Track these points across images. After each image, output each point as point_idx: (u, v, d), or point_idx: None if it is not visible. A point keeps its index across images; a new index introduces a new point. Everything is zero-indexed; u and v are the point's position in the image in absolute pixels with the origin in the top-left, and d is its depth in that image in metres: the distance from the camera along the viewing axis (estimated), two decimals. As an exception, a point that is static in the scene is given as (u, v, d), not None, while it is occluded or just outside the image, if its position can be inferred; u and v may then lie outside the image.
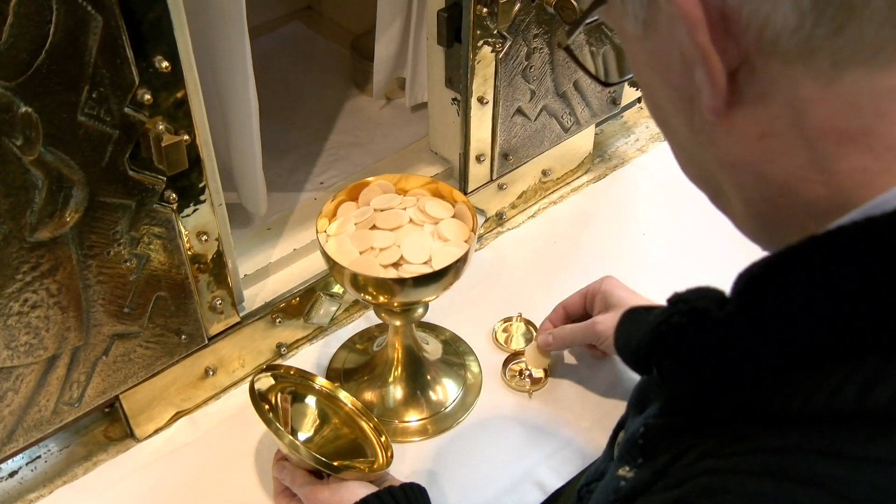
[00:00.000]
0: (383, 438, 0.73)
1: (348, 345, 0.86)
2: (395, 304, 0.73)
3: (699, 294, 0.38)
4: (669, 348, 0.39)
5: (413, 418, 0.79)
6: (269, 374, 0.74)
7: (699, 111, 0.34)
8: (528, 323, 0.88)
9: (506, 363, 0.84)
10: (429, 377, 0.81)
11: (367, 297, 0.71)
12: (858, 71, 0.30)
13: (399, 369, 0.80)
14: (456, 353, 0.85)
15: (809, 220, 0.33)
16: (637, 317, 0.45)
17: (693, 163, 0.39)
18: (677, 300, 0.39)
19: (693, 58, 0.33)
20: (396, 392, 0.80)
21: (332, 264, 0.70)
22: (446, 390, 0.82)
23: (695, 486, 0.33)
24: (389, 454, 0.72)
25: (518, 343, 0.86)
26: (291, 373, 0.76)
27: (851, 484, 0.30)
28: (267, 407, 0.70)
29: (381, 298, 0.71)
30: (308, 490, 0.67)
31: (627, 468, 0.43)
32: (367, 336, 0.87)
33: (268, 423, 0.66)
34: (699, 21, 0.31)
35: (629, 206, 1.03)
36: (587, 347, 0.82)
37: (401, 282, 0.68)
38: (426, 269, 0.70)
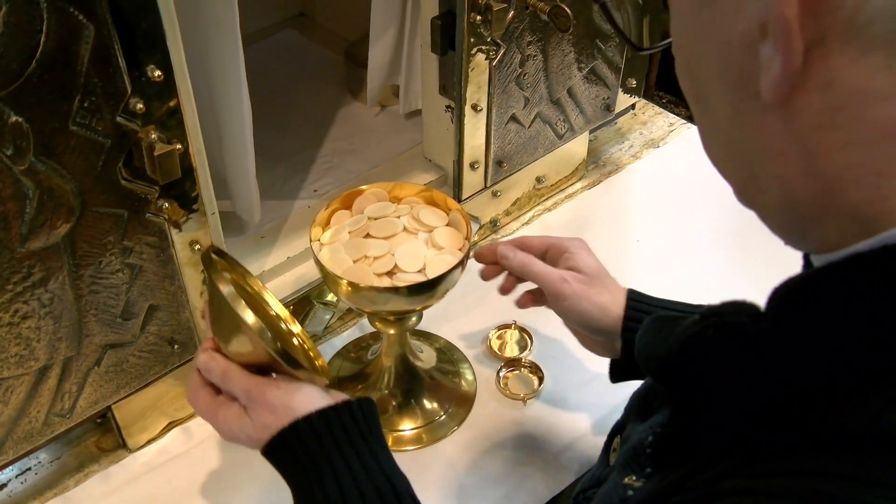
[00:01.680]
0: (311, 351, 0.65)
1: (342, 353, 0.86)
2: (389, 313, 0.72)
3: (734, 308, 0.37)
4: (700, 362, 0.37)
5: (407, 427, 0.79)
6: (217, 256, 0.63)
7: (753, 91, 0.32)
8: (522, 331, 0.88)
9: (500, 371, 0.84)
10: (423, 385, 0.81)
11: (360, 305, 0.71)
12: None
13: (393, 378, 0.80)
14: (450, 361, 0.85)
15: (851, 222, 0.32)
16: (664, 326, 0.43)
17: (727, 146, 0.36)
18: (711, 313, 0.37)
19: (773, 30, 0.30)
20: (390, 401, 0.80)
21: (326, 273, 0.69)
22: (441, 399, 0.81)
23: None
24: (323, 364, 0.65)
25: (513, 351, 0.86)
26: (232, 265, 0.65)
27: None
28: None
29: (375, 307, 0.70)
30: (253, 385, 0.56)
31: (634, 477, 0.42)
32: (361, 344, 0.87)
33: (232, 296, 0.55)
34: None
35: (623, 213, 1.03)
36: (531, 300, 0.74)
37: (395, 290, 0.68)
38: (420, 278, 0.69)
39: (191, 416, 0.80)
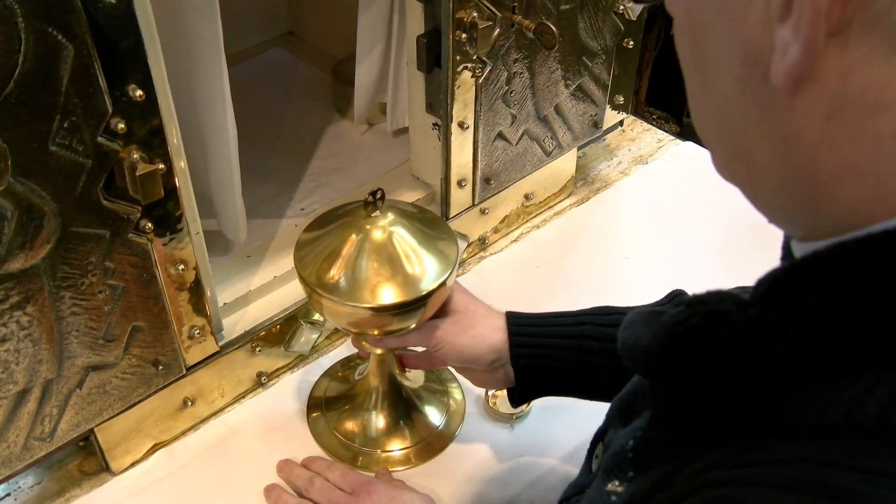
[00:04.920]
0: None
1: (330, 373, 0.85)
2: (376, 332, 0.72)
3: (718, 297, 0.36)
4: (686, 350, 0.37)
5: (396, 447, 0.78)
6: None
7: (762, 72, 0.31)
8: (511, 348, 0.87)
9: (488, 391, 0.83)
10: (411, 405, 0.80)
11: (344, 325, 0.70)
12: None
13: (381, 398, 0.79)
14: (439, 380, 0.84)
15: (847, 214, 0.31)
16: (647, 318, 0.42)
17: (723, 124, 0.35)
18: (695, 302, 0.37)
19: (799, 14, 0.28)
20: (378, 421, 0.79)
21: (311, 292, 0.69)
22: (429, 418, 0.80)
23: (705, 499, 0.32)
24: None
25: (502, 369, 0.86)
26: None
27: (876, 500, 0.28)
28: None
29: (361, 327, 0.70)
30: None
31: (617, 483, 0.42)
32: (348, 364, 0.86)
33: None
34: None
35: (612, 230, 1.03)
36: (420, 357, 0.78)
37: (380, 310, 0.67)
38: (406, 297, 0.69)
39: (175, 438, 0.79)
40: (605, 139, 1.16)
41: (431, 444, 0.79)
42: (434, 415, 0.81)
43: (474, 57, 0.80)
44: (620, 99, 1.00)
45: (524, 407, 0.81)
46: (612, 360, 0.65)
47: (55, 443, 0.68)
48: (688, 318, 0.36)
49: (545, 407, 0.82)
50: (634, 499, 0.38)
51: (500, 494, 0.75)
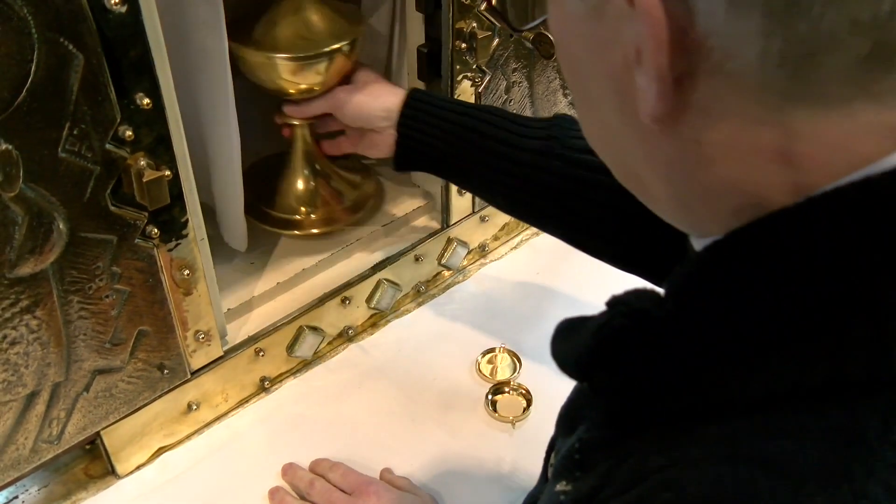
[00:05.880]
0: None
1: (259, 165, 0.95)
2: (292, 92, 0.81)
3: (637, 295, 0.37)
4: (613, 351, 0.38)
5: (310, 212, 0.90)
6: None
7: (633, 108, 0.33)
8: (511, 354, 0.88)
9: (489, 394, 0.84)
10: (325, 177, 0.91)
11: (267, 81, 0.80)
12: (805, 109, 0.30)
13: (300, 167, 0.90)
14: (355, 178, 0.95)
15: (734, 220, 0.34)
16: (575, 324, 0.44)
17: (608, 143, 0.38)
18: (616, 302, 0.38)
19: (646, 70, 0.31)
20: (297, 184, 0.90)
21: (242, 56, 0.78)
22: (339, 193, 0.92)
23: (650, 484, 0.33)
24: None
25: (503, 374, 0.87)
26: None
27: (801, 457, 0.30)
28: None
29: (278, 83, 0.79)
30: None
31: (565, 483, 0.43)
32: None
33: None
34: (664, 43, 0.30)
35: (611, 236, 1.04)
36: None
37: (291, 59, 0.77)
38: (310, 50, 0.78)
39: (180, 442, 0.80)
40: (603, 148, 1.17)
41: (339, 216, 0.91)
42: (343, 193, 0.92)
43: (474, 66, 0.82)
44: (618, 108, 1.02)
45: (525, 410, 0.82)
46: (487, 157, 0.70)
47: (62, 445, 0.69)
48: (610, 319, 0.38)
49: (546, 410, 0.82)
50: (582, 493, 0.39)
51: (502, 497, 0.75)
